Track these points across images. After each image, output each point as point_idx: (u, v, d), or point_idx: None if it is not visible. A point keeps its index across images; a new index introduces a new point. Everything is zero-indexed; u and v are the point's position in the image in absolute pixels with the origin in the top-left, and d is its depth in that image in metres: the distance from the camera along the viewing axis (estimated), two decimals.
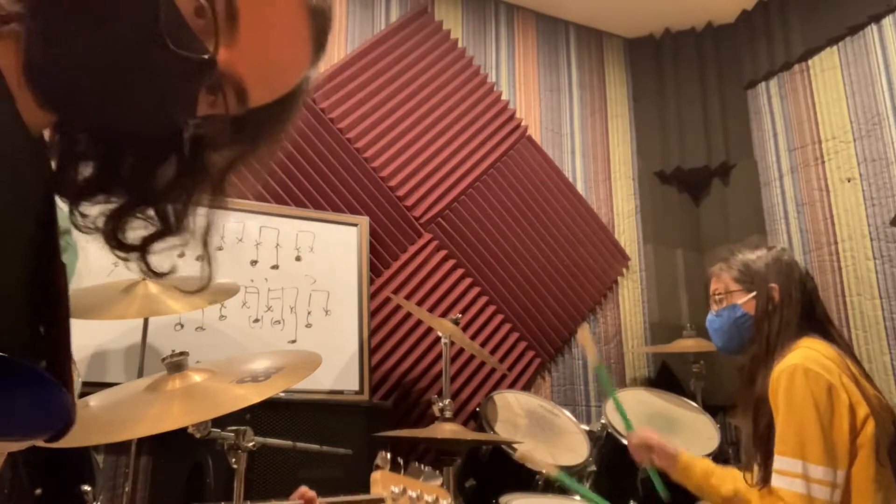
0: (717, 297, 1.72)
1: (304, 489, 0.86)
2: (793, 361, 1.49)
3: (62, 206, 0.63)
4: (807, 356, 1.49)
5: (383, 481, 1.04)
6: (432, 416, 2.19)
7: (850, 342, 3.03)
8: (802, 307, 1.61)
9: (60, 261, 0.59)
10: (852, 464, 1.42)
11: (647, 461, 1.84)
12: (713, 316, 1.73)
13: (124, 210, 0.63)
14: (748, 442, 1.65)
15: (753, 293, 1.64)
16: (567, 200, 3.50)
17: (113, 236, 0.64)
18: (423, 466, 1.14)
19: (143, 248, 0.65)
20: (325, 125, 2.93)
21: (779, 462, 1.43)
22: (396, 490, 1.04)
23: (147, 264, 0.66)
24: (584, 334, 2.09)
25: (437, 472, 1.18)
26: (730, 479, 1.70)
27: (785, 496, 1.39)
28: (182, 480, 2.12)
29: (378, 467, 1.06)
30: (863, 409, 1.45)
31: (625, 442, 2.34)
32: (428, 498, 1.11)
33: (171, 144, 0.62)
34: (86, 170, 0.63)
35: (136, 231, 0.64)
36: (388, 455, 1.08)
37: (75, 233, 0.65)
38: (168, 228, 0.64)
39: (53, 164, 0.61)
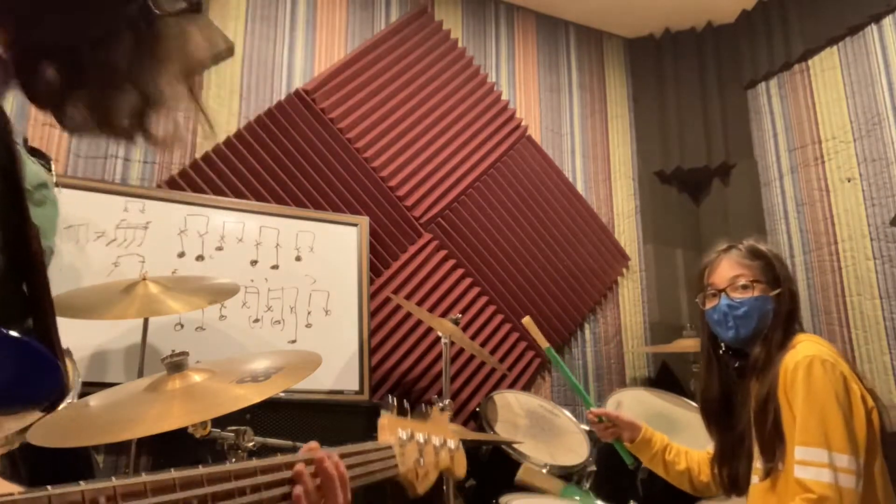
0: (741, 283, 1.66)
1: (313, 444, 0.84)
2: (807, 353, 1.49)
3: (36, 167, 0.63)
4: (818, 349, 1.50)
5: (390, 427, 1.00)
6: None
7: (849, 342, 3.03)
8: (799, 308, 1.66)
9: (31, 220, 0.59)
10: (871, 454, 1.43)
11: (610, 436, 1.88)
12: (735, 302, 1.65)
13: (104, 97, 0.64)
14: (726, 439, 1.69)
15: (779, 290, 1.64)
16: (567, 200, 3.51)
17: (106, 125, 0.64)
18: (429, 408, 1.12)
19: (138, 126, 0.66)
20: (325, 125, 2.93)
21: (802, 453, 1.42)
22: (404, 436, 1.00)
23: (149, 136, 0.66)
24: (527, 321, 2.09)
25: (445, 409, 1.16)
26: (684, 458, 1.83)
27: (813, 487, 1.38)
28: None
29: (385, 412, 1.02)
30: (870, 401, 1.47)
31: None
32: (436, 441, 1.08)
33: (123, 16, 0.62)
34: (51, 73, 0.62)
35: (126, 113, 0.65)
36: (395, 399, 1.05)
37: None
38: (151, 99, 0.65)
39: (14, 80, 0.61)
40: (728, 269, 1.69)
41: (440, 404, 2.15)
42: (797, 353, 1.51)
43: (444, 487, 2.08)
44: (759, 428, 1.55)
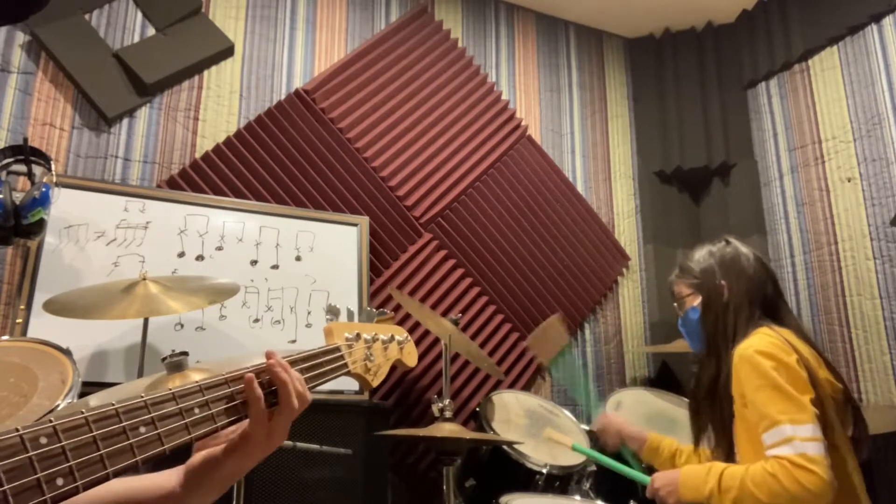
0: (675, 303, 1.82)
1: (270, 351, 0.87)
2: (748, 345, 1.55)
3: None
4: (761, 340, 1.55)
5: (337, 331, 1.05)
6: (432, 416, 2.19)
7: (849, 342, 3.03)
8: (751, 297, 1.66)
9: None
10: (829, 429, 1.47)
11: (615, 444, 1.96)
12: (680, 322, 1.81)
13: None
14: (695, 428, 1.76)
15: (702, 295, 1.73)
16: (567, 200, 3.50)
17: None
18: (374, 309, 1.16)
19: None
20: (325, 125, 2.93)
21: (768, 438, 1.44)
22: (350, 336, 1.05)
23: None
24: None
25: (387, 311, 1.21)
26: (695, 460, 1.83)
27: (789, 459, 1.39)
28: None
29: (331, 319, 1.07)
30: (811, 393, 1.49)
31: None
32: (383, 337, 1.13)
33: None
34: None
35: None
36: (338, 306, 1.09)
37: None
38: None
39: None
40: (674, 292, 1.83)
41: (440, 404, 2.15)
42: (742, 347, 1.56)
43: (444, 487, 2.08)
44: (715, 423, 1.65)
